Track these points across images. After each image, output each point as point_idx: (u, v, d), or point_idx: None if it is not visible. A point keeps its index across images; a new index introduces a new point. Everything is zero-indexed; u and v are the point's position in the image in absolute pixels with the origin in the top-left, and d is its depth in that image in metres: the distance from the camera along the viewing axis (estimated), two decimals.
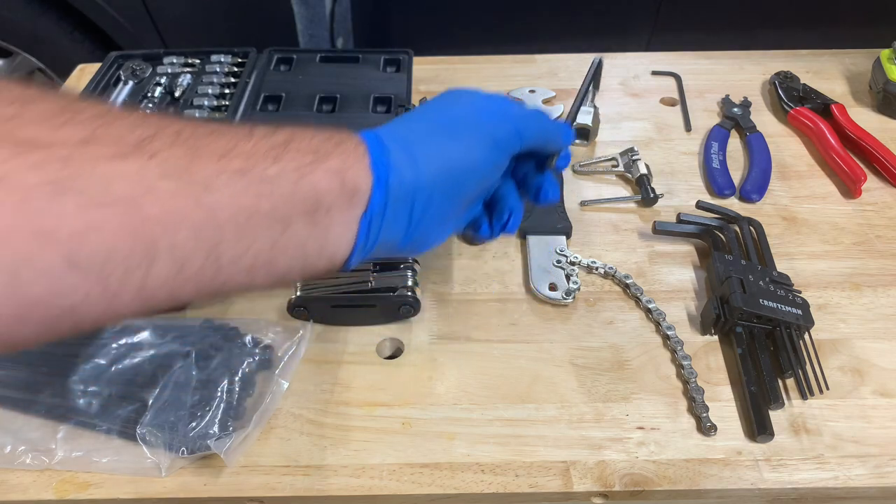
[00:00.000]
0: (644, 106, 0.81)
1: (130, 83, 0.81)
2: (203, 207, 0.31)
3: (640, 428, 0.52)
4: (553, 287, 0.61)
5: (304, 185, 0.35)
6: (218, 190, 0.31)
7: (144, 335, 0.56)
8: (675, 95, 0.82)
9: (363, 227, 0.37)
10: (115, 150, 0.29)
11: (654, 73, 0.86)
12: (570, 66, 0.87)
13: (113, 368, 0.54)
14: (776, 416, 0.52)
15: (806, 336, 0.56)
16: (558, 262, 0.62)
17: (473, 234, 0.49)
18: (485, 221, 0.49)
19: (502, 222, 0.48)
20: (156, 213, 0.29)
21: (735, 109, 0.78)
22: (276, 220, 0.34)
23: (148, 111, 0.34)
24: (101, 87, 0.80)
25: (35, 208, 0.26)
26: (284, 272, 0.36)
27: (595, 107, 0.76)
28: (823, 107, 0.77)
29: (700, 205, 0.66)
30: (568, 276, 0.61)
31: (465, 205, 0.44)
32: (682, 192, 0.70)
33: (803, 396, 0.53)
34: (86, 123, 0.29)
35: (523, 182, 0.50)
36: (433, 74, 0.86)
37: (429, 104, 0.44)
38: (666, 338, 0.57)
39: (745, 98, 0.80)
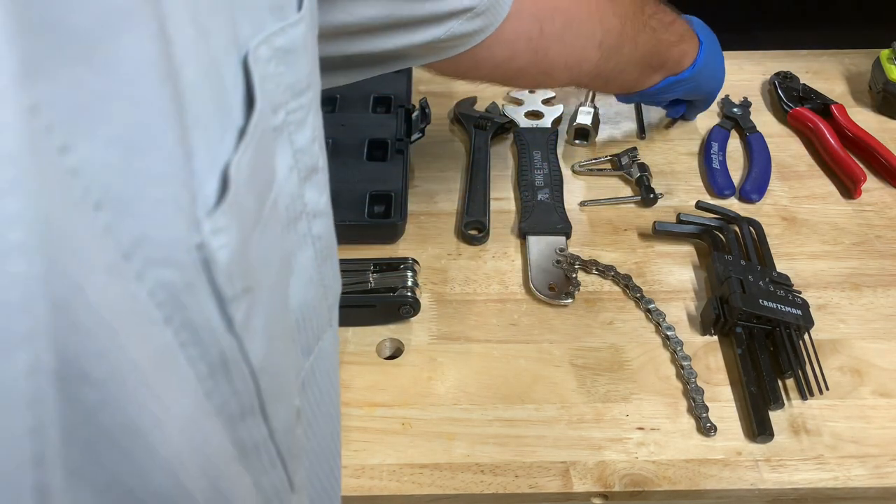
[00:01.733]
0: (643, 106, 0.81)
1: None
2: (649, 28, 0.58)
3: (640, 428, 0.52)
4: (553, 287, 0.61)
5: (672, 51, 0.62)
6: (648, 25, 0.58)
7: None
8: None
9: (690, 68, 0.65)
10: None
11: None
12: None
13: None
14: (776, 417, 0.52)
15: (806, 336, 0.56)
16: (558, 262, 0.62)
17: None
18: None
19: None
20: (629, 33, 0.56)
21: (735, 109, 0.78)
22: (660, 52, 0.61)
23: None
24: None
25: (600, 6, 0.54)
26: (665, 39, 0.61)
27: (595, 107, 0.76)
28: (823, 107, 0.77)
29: (700, 205, 0.66)
30: (568, 276, 0.61)
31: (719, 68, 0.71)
32: (682, 192, 0.70)
33: (803, 397, 0.53)
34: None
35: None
36: (433, 75, 0.86)
37: (713, 38, 0.68)
38: (666, 338, 0.57)
39: (745, 98, 0.80)
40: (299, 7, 0.25)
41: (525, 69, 0.53)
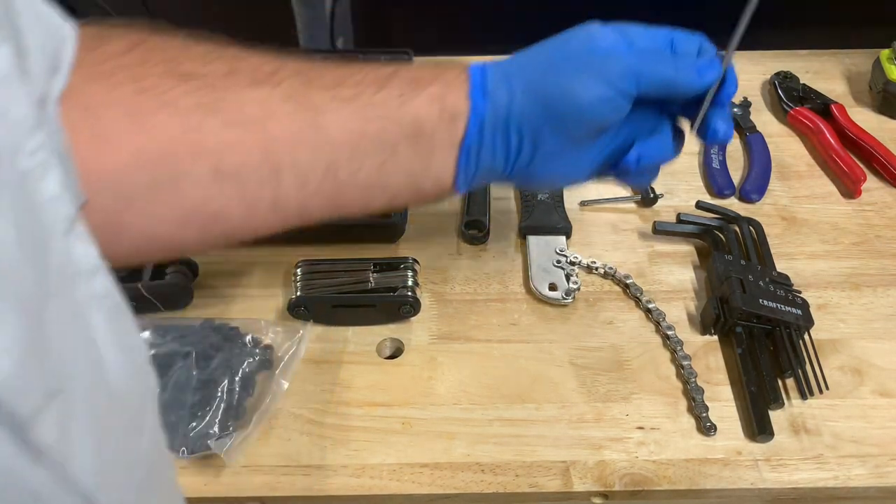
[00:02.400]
0: None
1: None
2: (318, 128, 0.36)
3: (640, 428, 0.52)
4: (553, 287, 0.61)
5: (407, 110, 0.38)
6: (330, 113, 0.37)
7: (145, 335, 0.56)
8: None
9: (463, 151, 0.40)
10: (250, 79, 0.35)
11: None
12: None
13: None
14: (776, 416, 0.52)
15: (806, 336, 0.56)
16: (558, 262, 0.62)
17: (615, 174, 0.45)
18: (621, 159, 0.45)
19: (627, 160, 0.43)
20: (279, 133, 0.35)
21: (735, 109, 0.78)
22: (383, 142, 0.38)
23: (270, 51, 0.39)
24: None
25: (191, 125, 0.33)
26: (396, 192, 0.41)
27: None
28: (823, 107, 0.77)
29: (700, 205, 0.66)
30: (568, 276, 0.61)
31: (579, 142, 0.42)
32: (682, 192, 0.70)
33: (803, 396, 0.53)
34: (229, 60, 0.36)
35: (686, 116, 0.46)
36: None
37: (550, 39, 0.43)
38: (666, 338, 0.57)
39: (745, 98, 0.80)
40: None
41: (147, 247, 0.37)
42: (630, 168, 0.43)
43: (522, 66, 0.41)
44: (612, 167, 0.45)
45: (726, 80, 0.43)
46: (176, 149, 0.33)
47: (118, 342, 0.24)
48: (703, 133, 0.44)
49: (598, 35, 0.42)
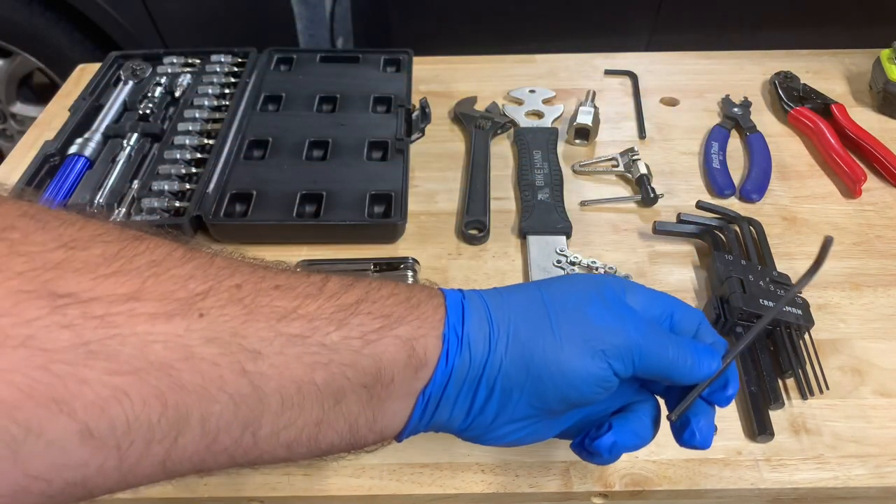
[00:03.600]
0: (644, 106, 0.81)
1: (130, 83, 0.81)
2: (247, 377, 0.28)
3: None
4: None
5: (367, 354, 0.31)
6: (268, 358, 0.28)
7: None
8: (675, 95, 0.82)
9: (420, 402, 0.34)
10: (160, 307, 0.26)
11: (608, 72, 0.86)
12: (570, 67, 0.87)
13: None
14: (776, 416, 0.52)
15: (806, 336, 0.56)
16: (558, 262, 0.62)
17: (579, 450, 0.39)
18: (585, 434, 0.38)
19: (591, 437, 0.37)
20: (191, 382, 0.26)
21: (735, 109, 0.78)
22: (329, 392, 0.30)
23: (210, 254, 0.30)
24: (101, 87, 0.80)
25: (56, 373, 0.23)
26: (327, 448, 0.32)
27: (595, 107, 0.76)
28: (823, 107, 0.77)
29: (700, 205, 0.66)
30: None
31: (552, 413, 0.36)
32: (682, 192, 0.70)
33: (803, 396, 0.53)
34: (136, 274, 0.26)
35: (666, 400, 0.41)
36: (433, 74, 0.86)
37: (548, 281, 0.37)
38: None
39: (745, 98, 0.80)
40: None
41: None
42: (602, 453, 0.37)
43: (512, 312, 0.35)
44: (578, 440, 0.39)
45: (728, 382, 0.38)
46: (25, 408, 0.23)
47: None
48: (680, 431, 0.38)
49: (600, 298, 0.36)
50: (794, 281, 0.60)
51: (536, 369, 0.34)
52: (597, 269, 0.62)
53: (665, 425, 0.39)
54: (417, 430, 0.36)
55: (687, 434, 0.37)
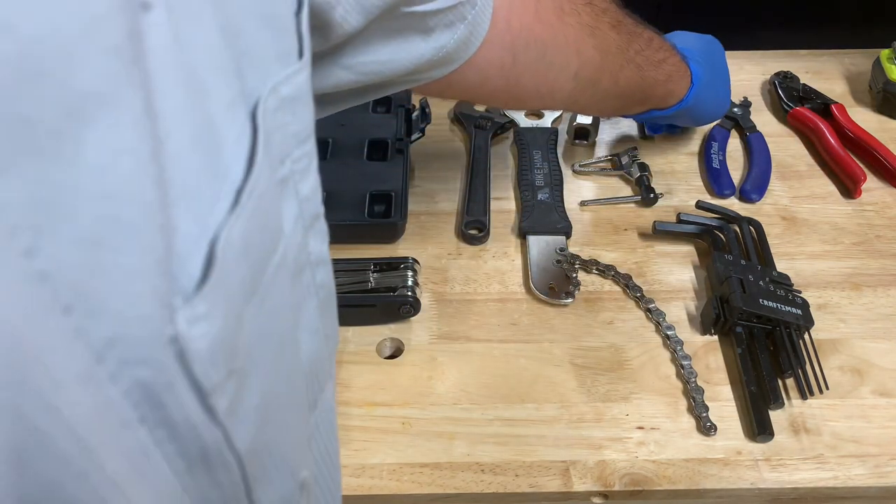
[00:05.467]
0: None
1: None
2: (623, 79, 0.56)
3: (640, 428, 0.52)
4: (553, 287, 0.61)
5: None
6: (636, 59, 0.56)
7: None
8: None
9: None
10: (612, 21, 0.53)
11: None
12: None
13: None
14: (776, 416, 0.52)
15: (806, 336, 0.56)
16: (558, 261, 0.62)
17: None
18: None
19: None
20: (608, 69, 0.54)
21: (735, 109, 0.78)
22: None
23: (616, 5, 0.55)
24: None
25: (580, 36, 0.51)
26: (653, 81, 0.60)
27: None
28: (823, 107, 0.77)
29: (700, 205, 0.66)
30: (568, 276, 0.61)
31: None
32: (682, 192, 0.70)
33: (803, 396, 0.53)
34: (630, 28, 0.55)
35: None
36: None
37: (706, 52, 0.67)
38: (666, 338, 0.57)
39: (745, 98, 0.80)
40: (300, 54, 0.24)
41: (495, 94, 0.53)
42: None
43: (702, 73, 0.64)
44: None
45: None
46: (570, 47, 0.50)
47: (321, 327, 0.28)
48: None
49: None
50: (793, 281, 0.60)
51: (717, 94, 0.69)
52: (597, 269, 0.62)
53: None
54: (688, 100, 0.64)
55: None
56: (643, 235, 0.66)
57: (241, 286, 0.20)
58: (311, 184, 0.25)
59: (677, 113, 0.64)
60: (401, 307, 0.57)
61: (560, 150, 0.74)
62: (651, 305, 0.59)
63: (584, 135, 0.75)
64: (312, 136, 0.25)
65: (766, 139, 0.75)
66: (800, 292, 0.59)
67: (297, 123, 0.24)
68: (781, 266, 0.62)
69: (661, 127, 0.74)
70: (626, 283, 0.61)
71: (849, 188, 0.70)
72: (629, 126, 0.78)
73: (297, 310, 0.26)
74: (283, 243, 0.23)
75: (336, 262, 0.59)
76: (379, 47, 0.41)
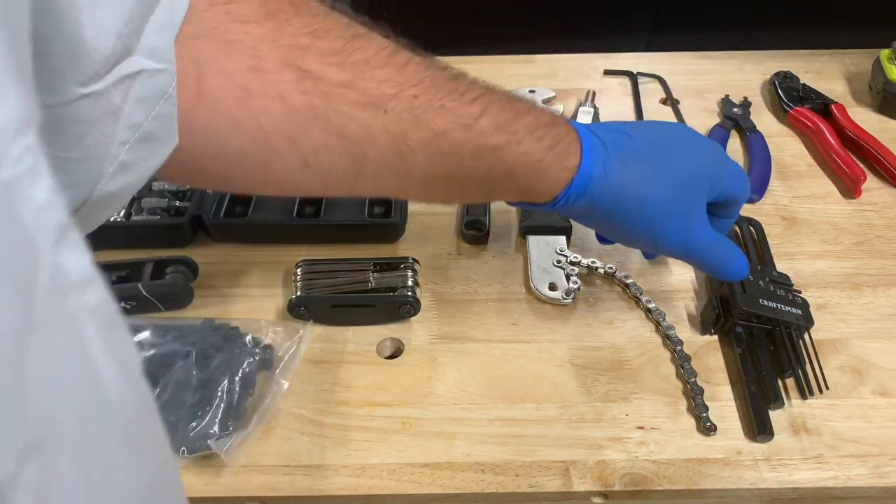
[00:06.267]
0: (644, 106, 0.81)
1: None
2: (418, 169, 0.41)
3: (640, 428, 0.52)
4: (553, 287, 0.61)
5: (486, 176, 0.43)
6: (419, 156, 0.40)
7: (145, 335, 0.56)
8: (675, 95, 0.82)
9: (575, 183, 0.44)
10: (362, 98, 0.37)
11: (607, 72, 0.86)
12: (570, 67, 0.87)
13: None
14: (776, 416, 0.52)
15: (806, 336, 0.56)
16: (558, 262, 0.62)
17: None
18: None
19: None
20: (374, 156, 0.39)
21: (735, 109, 0.78)
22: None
23: (406, 59, 0.40)
24: None
25: (293, 122, 0.36)
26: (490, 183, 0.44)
27: (595, 107, 0.76)
28: (823, 107, 0.77)
29: None
30: (568, 276, 0.61)
31: (651, 226, 0.46)
32: None
33: (803, 396, 0.53)
34: (351, 68, 0.37)
35: None
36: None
37: (657, 138, 0.48)
38: (666, 338, 0.57)
39: (745, 98, 0.80)
40: None
41: (234, 181, 0.41)
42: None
43: (621, 149, 0.46)
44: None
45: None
46: (272, 136, 0.36)
47: (114, 357, 0.23)
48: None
49: (687, 133, 0.51)
50: (793, 281, 0.60)
51: (638, 190, 0.45)
52: (597, 269, 0.62)
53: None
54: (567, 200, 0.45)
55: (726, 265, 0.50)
56: None
57: (8, 330, 0.17)
58: (45, 187, 0.20)
59: (568, 212, 0.47)
60: (401, 307, 0.57)
61: None
62: (651, 305, 0.59)
63: None
64: (33, 127, 0.20)
65: (766, 139, 0.75)
66: (800, 292, 0.59)
67: (4, 112, 0.19)
68: (781, 266, 0.62)
69: (603, 237, 0.57)
70: (626, 284, 0.61)
71: (849, 188, 0.70)
72: None
73: (78, 343, 0.21)
74: (43, 264, 0.19)
75: (336, 262, 0.60)
76: None
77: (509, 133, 0.41)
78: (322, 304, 0.57)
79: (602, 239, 0.57)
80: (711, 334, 0.58)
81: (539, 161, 0.42)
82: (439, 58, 0.42)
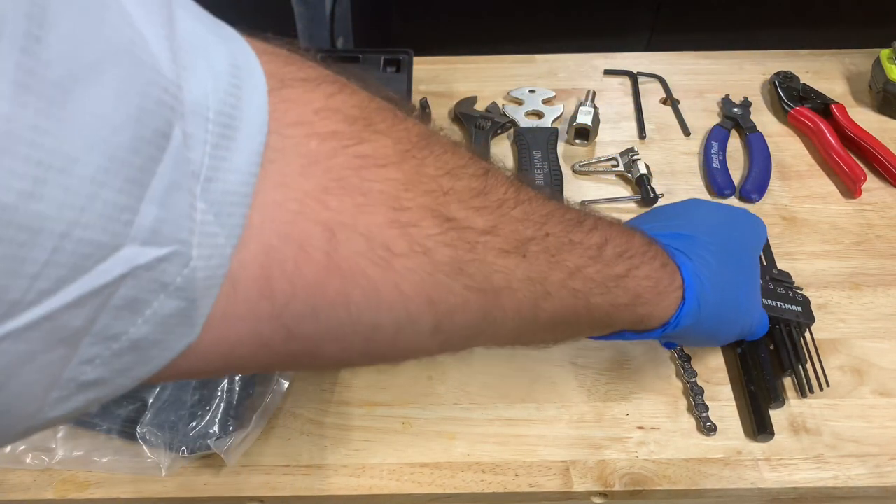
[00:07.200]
0: (644, 106, 0.81)
1: None
2: (537, 309, 0.35)
3: (640, 427, 0.52)
4: None
5: (608, 314, 0.39)
6: (556, 299, 0.35)
7: None
8: (675, 95, 0.82)
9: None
10: (504, 245, 0.32)
11: (607, 72, 0.86)
12: (570, 67, 0.87)
13: None
14: (776, 416, 0.52)
15: (806, 333, 0.56)
16: None
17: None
18: None
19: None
20: (509, 306, 0.33)
21: (735, 109, 0.78)
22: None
23: (530, 196, 0.35)
24: None
25: (436, 281, 0.29)
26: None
27: (595, 107, 0.76)
28: (823, 107, 0.77)
29: None
30: None
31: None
32: (682, 192, 0.70)
33: (802, 394, 0.53)
34: (492, 212, 0.32)
35: None
36: (433, 74, 0.86)
37: (715, 228, 0.46)
38: None
39: (745, 98, 0.80)
40: None
41: (277, 365, 0.36)
42: None
43: (711, 280, 0.43)
44: None
45: None
46: (411, 302, 0.29)
47: None
48: None
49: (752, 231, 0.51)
50: (793, 279, 0.60)
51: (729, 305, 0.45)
52: None
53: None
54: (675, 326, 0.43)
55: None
56: None
57: None
58: None
59: (666, 337, 0.45)
60: None
61: (560, 150, 0.74)
62: None
63: (584, 134, 0.75)
64: None
65: (766, 139, 0.75)
66: (801, 289, 0.59)
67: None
68: (781, 266, 0.62)
69: (672, 343, 0.55)
70: None
71: (849, 188, 0.70)
72: (629, 126, 0.78)
73: None
74: None
75: None
76: None
77: (628, 258, 0.38)
78: None
79: (669, 345, 0.55)
80: None
81: (658, 282, 0.40)
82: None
